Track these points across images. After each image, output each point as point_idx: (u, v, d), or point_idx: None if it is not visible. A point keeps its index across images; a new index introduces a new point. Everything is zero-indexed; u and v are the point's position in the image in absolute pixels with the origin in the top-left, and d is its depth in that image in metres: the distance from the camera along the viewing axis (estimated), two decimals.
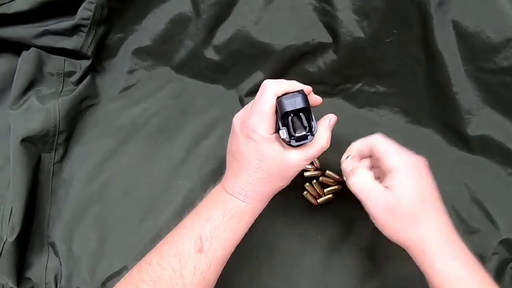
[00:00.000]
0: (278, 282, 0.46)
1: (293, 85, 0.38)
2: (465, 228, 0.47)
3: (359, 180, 0.38)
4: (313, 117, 0.37)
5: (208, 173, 0.50)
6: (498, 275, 0.45)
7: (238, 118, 0.39)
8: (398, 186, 0.37)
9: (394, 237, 0.38)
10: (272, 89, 0.37)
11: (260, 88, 0.38)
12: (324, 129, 0.39)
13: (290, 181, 0.39)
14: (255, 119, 0.37)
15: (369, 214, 0.38)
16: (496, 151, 0.48)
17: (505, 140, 0.48)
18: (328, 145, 0.39)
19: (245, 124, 0.37)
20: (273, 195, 0.39)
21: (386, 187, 0.37)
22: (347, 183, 0.40)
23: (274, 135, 0.37)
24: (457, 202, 0.48)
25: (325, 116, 0.41)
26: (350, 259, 0.46)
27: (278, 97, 0.37)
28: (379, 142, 0.39)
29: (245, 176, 0.37)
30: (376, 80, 0.52)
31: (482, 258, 0.45)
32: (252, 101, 0.39)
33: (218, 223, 0.37)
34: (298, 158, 0.37)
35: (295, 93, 0.36)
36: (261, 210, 0.39)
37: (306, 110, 0.36)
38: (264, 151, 0.37)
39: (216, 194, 0.39)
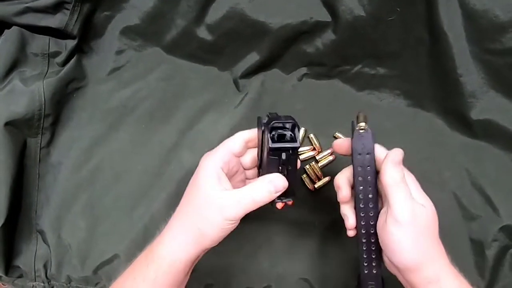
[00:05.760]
0: (275, 265, 0.46)
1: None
2: (465, 214, 0.46)
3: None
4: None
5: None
6: (497, 261, 0.44)
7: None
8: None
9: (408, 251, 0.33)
10: (240, 134, 0.36)
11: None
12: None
13: (218, 241, 0.35)
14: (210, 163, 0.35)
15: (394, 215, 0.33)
16: (499, 136, 0.48)
17: (509, 125, 0.47)
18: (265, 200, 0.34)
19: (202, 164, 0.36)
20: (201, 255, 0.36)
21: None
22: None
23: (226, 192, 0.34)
24: (458, 188, 0.47)
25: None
26: (348, 244, 0.45)
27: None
28: (390, 182, 0.33)
29: (180, 228, 0.35)
30: (376, 61, 0.50)
31: (482, 244, 0.45)
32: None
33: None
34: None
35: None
36: (194, 265, 0.36)
37: None
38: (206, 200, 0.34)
39: (149, 254, 0.36)
